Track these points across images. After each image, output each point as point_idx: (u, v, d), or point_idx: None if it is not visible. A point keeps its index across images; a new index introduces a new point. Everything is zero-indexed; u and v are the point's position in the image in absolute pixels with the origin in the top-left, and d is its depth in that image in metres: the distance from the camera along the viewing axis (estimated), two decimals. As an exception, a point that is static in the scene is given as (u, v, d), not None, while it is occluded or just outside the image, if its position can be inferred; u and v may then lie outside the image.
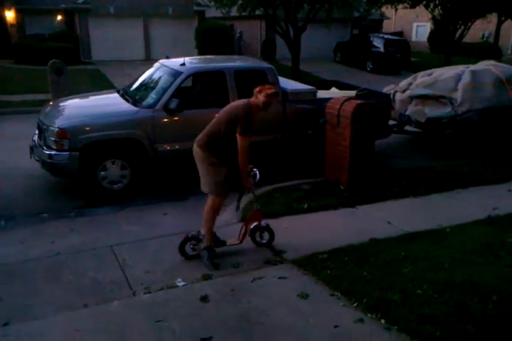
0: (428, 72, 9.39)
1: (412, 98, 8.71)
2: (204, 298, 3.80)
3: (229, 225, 5.13)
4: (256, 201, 4.64)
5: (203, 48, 21.11)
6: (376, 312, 3.54)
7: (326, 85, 8.59)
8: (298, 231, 5.13)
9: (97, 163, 6.03)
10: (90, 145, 5.94)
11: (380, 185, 6.37)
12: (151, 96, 6.49)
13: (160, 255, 4.61)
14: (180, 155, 6.09)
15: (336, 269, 4.18)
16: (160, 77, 6.88)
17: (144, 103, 6.39)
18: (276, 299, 3.82)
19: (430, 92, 8.48)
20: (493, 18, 23.63)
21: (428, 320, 3.40)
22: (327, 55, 24.33)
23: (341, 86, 8.70)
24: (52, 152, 5.95)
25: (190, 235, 4.48)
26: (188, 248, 4.49)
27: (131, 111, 6.28)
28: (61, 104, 7.12)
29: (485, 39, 28.52)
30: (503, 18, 23.84)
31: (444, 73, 8.89)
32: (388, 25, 34.08)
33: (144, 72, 7.44)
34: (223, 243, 4.59)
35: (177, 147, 6.27)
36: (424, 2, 20.60)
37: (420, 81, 8.94)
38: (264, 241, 4.75)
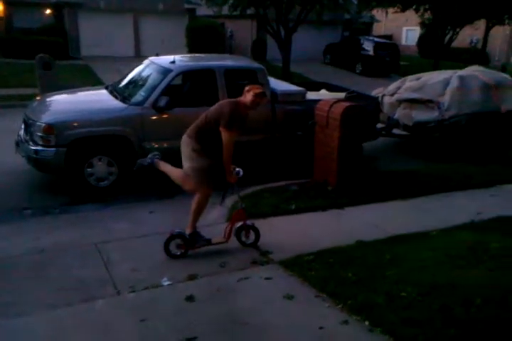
0: (416, 76, 9.48)
1: (400, 101, 8.80)
2: (189, 298, 3.78)
3: (217, 224, 5.10)
4: (241, 200, 4.66)
5: (193, 46, 21.03)
6: (360, 314, 3.55)
7: (316, 87, 8.63)
8: (285, 232, 5.14)
9: (84, 160, 5.97)
10: (77, 142, 5.88)
11: (368, 187, 6.40)
12: (140, 94, 6.44)
13: (145, 253, 4.57)
14: (168, 154, 6.05)
15: (322, 271, 4.20)
16: (149, 75, 6.83)
17: (133, 100, 6.34)
18: (261, 299, 3.82)
19: (418, 96, 8.56)
20: (482, 24, 23.92)
21: (411, 322, 3.41)
22: (317, 56, 24.38)
23: (331, 88, 8.74)
24: (39, 147, 5.88)
25: (174, 233, 4.45)
26: (172, 246, 4.45)
27: (120, 108, 6.23)
28: (49, 99, 7.04)
29: (473, 44, 28.87)
30: (490, 24, 24.12)
31: (433, 78, 9.00)
32: (378, 28, 34.27)
33: (133, 69, 7.38)
34: (208, 241, 4.57)
35: (165, 145, 6.22)
36: (414, 6, 20.79)
37: (409, 85, 9.02)
38: (250, 242, 4.74)
